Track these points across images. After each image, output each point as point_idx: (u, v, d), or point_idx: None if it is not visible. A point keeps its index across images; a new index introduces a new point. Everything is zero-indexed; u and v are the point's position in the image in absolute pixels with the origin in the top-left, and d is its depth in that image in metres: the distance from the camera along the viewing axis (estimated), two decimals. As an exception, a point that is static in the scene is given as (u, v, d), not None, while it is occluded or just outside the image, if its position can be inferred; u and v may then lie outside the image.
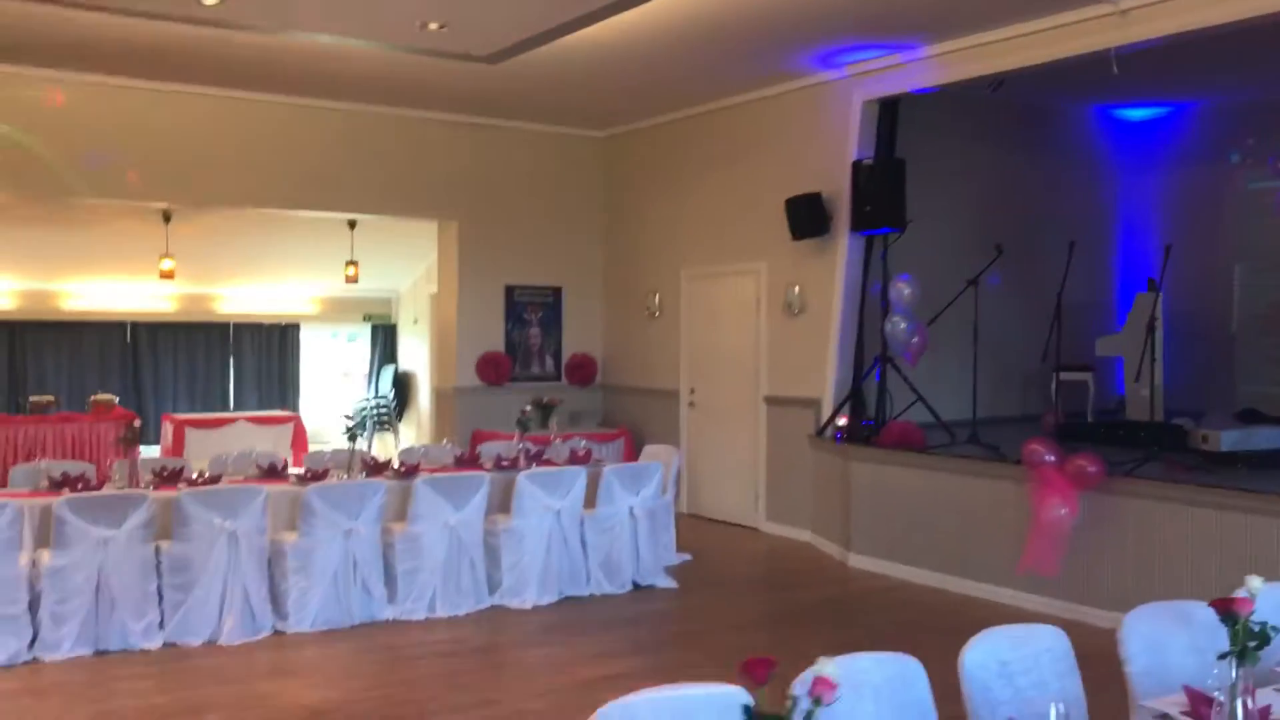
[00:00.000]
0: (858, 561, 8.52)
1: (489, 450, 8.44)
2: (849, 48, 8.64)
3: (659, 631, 7.03)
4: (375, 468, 7.58)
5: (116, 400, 11.52)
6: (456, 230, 11.31)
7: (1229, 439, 7.19)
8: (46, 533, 6.13)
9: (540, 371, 11.75)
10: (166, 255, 11.82)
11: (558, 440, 8.69)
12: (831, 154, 9.32)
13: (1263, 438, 7.43)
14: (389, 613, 6.89)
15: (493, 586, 7.28)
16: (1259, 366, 10.73)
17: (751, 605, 7.79)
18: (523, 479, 7.28)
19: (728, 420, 10.43)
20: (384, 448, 14.24)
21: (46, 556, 6.05)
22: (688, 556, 8.53)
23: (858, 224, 8.95)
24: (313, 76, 9.48)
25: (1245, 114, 10.55)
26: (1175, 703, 2.77)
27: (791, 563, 8.91)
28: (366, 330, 15.85)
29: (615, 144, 11.97)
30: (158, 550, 6.32)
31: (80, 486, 6.53)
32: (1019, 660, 3.08)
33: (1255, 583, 2.44)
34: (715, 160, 10.62)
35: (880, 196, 8.72)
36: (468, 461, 8.08)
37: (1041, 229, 10.23)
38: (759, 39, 8.38)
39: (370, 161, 10.74)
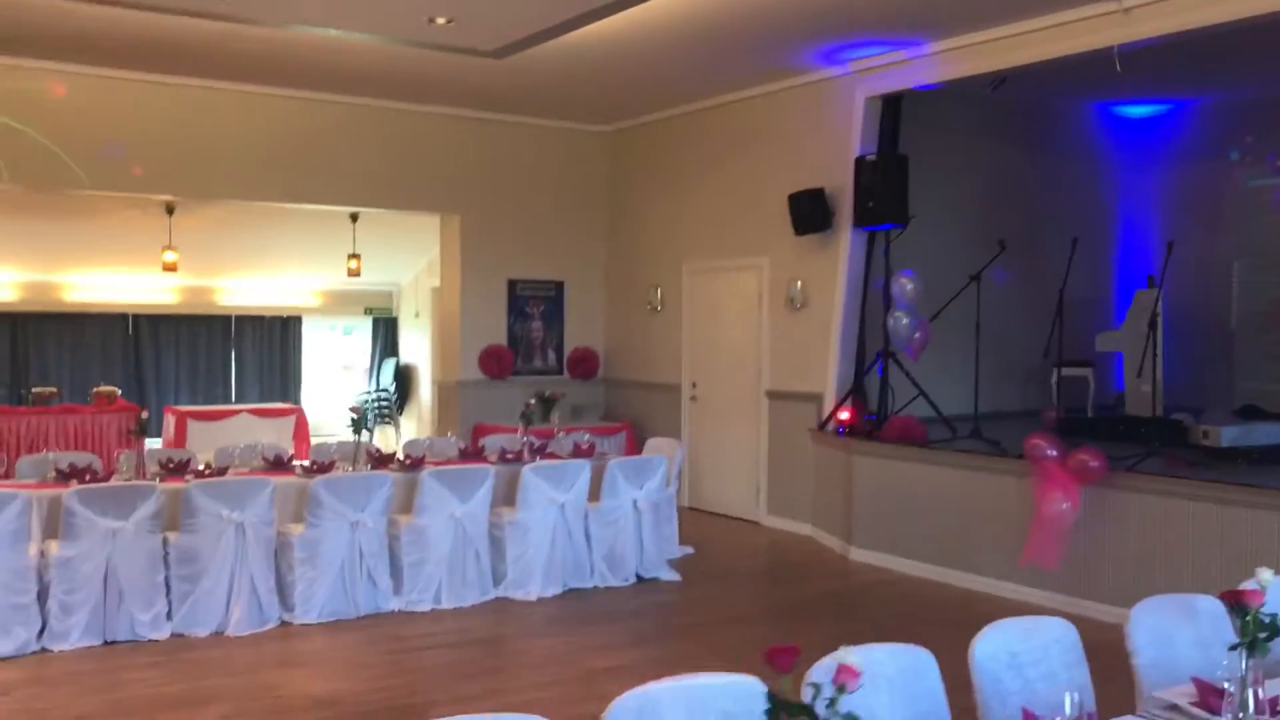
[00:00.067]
0: (859, 555, 8.57)
1: (493, 443, 8.48)
2: (853, 44, 8.67)
3: (663, 624, 7.08)
4: (380, 460, 7.62)
5: (119, 392, 11.54)
6: (459, 224, 11.33)
7: (1229, 435, 7.24)
8: (54, 523, 6.17)
9: (542, 365, 11.78)
10: (169, 247, 11.83)
11: (561, 433, 8.73)
12: (835, 150, 9.35)
13: (1262, 433, 7.48)
14: (395, 604, 6.93)
15: (497, 578, 7.32)
16: (1257, 363, 10.78)
17: (754, 598, 7.84)
18: (528, 472, 7.31)
19: (729, 414, 10.47)
20: (385, 441, 14.27)
21: (55, 547, 6.09)
22: (690, 550, 8.58)
23: (860, 219, 8.98)
24: (317, 70, 9.50)
25: (1245, 111, 10.59)
26: (1184, 693, 2.81)
27: (793, 556, 8.96)
28: (365, 324, 15.86)
29: (618, 139, 12.00)
30: (165, 541, 6.36)
31: (88, 478, 6.55)
32: (1028, 652, 3.13)
33: (1266, 575, 2.48)
34: (718, 155, 10.65)
35: (883, 192, 8.74)
36: (472, 454, 8.11)
37: (1042, 225, 10.28)
38: (763, 35, 8.40)
39: (374, 155, 10.76)
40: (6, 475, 6.87)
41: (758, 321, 10.15)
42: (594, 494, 7.66)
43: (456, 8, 7.47)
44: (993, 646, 3.05)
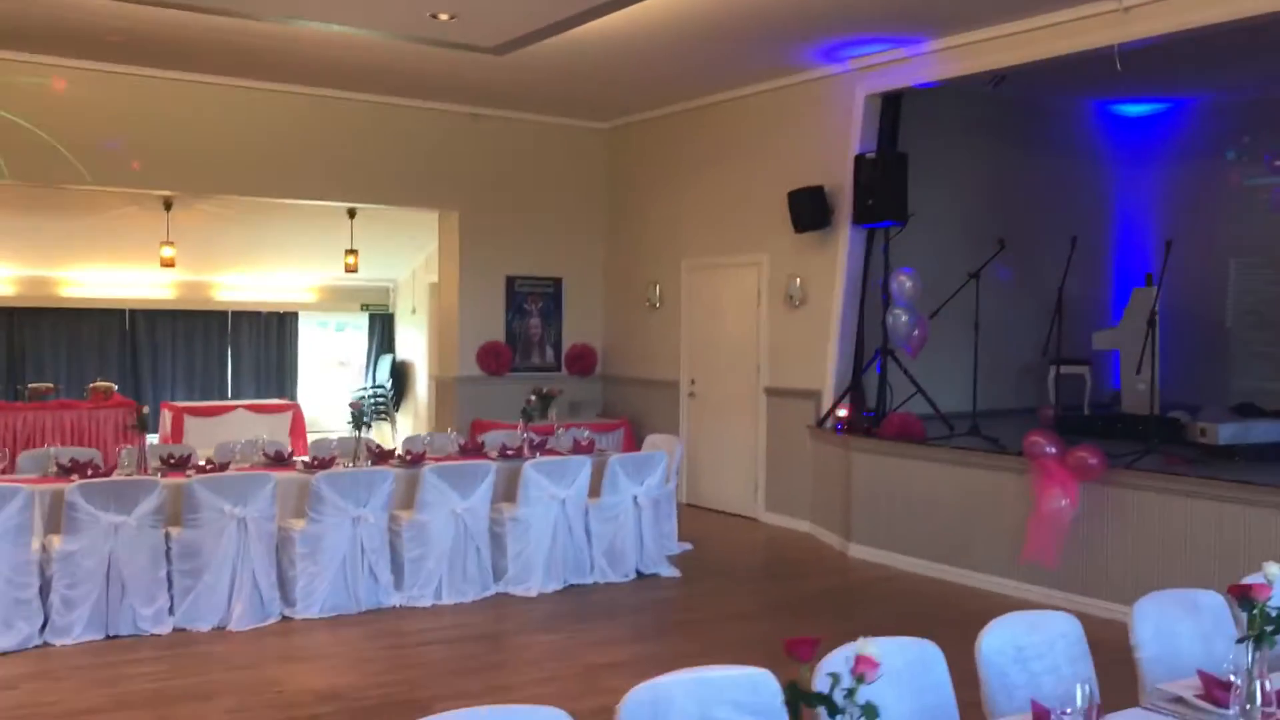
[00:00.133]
0: (857, 551, 8.60)
1: (493, 439, 8.50)
2: (852, 42, 8.70)
3: (663, 620, 7.10)
4: (380, 456, 7.63)
5: (115, 388, 11.53)
6: (458, 220, 11.35)
7: (1227, 432, 7.28)
8: (56, 518, 6.17)
9: (540, 362, 11.80)
10: (167, 243, 11.83)
11: (561, 430, 8.75)
12: (834, 147, 9.38)
13: (1259, 431, 7.53)
14: (396, 599, 6.95)
15: (498, 574, 7.35)
16: (1252, 361, 10.84)
17: (754, 594, 7.86)
18: (529, 468, 7.33)
19: (728, 411, 10.50)
20: (381, 437, 14.27)
21: (57, 542, 6.09)
22: (689, 546, 8.61)
23: (860, 217, 9.01)
24: (316, 66, 9.50)
25: (1241, 111, 10.64)
26: (1189, 686, 2.84)
27: (792, 552, 8.99)
28: (360, 320, 15.85)
29: (617, 136, 12.01)
30: (167, 536, 6.37)
31: (90, 473, 6.56)
32: (1033, 646, 3.16)
33: (1273, 569, 2.51)
34: (718, 153, 10.67)
35: (882, 190, 8.77)
36: (471, 450, 8.12)
37: (1039, 223, 10.32)
38: (763, 33, 8.43)
39: (372, 151, 10.77)
40: (7, 470, 6.87)
41: (756, 318, 10.18)
42: (595, 490, 7.68)
43: (459, 4, 7.48)
44: (999, 640, 3.09)
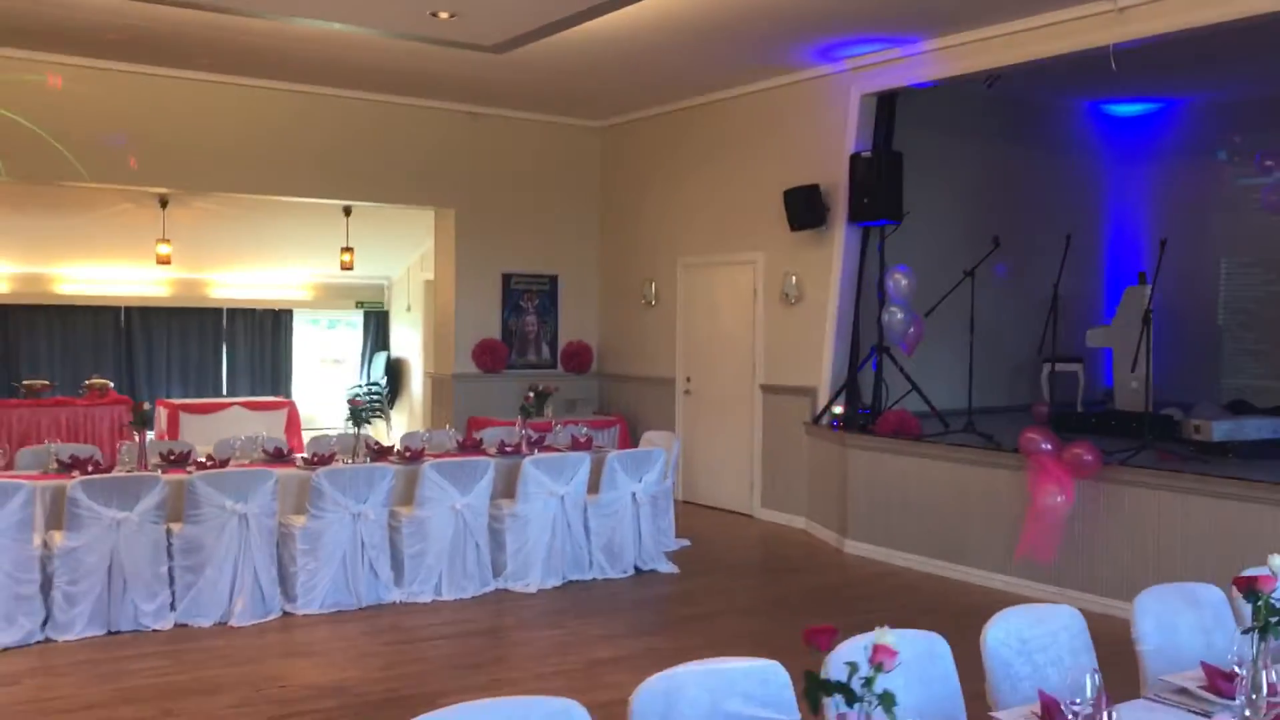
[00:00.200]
0: (853, 548, 8.65)
1: (491, 436, 8.53)
2: (848, 41, 8.74)
3: (662, 615, 7.14)
4: (379, 452, 7.66)
5: (111, 384, 11.54)
6: (454, 218, 11.37)
7: (1221, 429, 7.34)
8: (57, 514, 6.18)
9: (536, 359, 11.83)
10: (163, 240, 11.83)
11: (559, 426, 8.78)
12: (830, 146, 9.43)
13: (1253, 428, 7.59)
14: (396, 595, 6.98)
15: (497, 570, 7.37)
16: (1243, 359, 10.93)
17: (751, 590, 7.91)
18: (528, 464, 7.36)
19: (723, 408, 10.54)
20: (376, 434, 14.28)
21: (58, 538, 6.10)
22: (686, 542, 8.65)
23: (855, 215, 9.06)
24: (313, 64, 9.51)
25: (1233, 111, 10.71)
26: (1192, 678, 2.89)
27: (788, 549, 9.04)
28: (353, 317, 15.85)
29: (614, 134, 12.04)
30: (169, 532, 6.39)
31: (90, 469, 6.58)
32: (1037, 638, 3.21)
33: (1278, 561, 2.56)
34: (714, 151, 10.71)
35: (878, 189, 8.82)
36: (469, 447, 8.15)
37: (1033, 222, 10.39)
38: (759, 33, 8.46)
39: (369, 149, 10.78)
40: (8, 466, 6.88)
41: (752, 316, 10.22)
42: (593, 486, 7.72)
43: (460, 2, 7.50)
44: (1003, 633, 3.14)
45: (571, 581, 7.58)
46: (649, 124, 11.53)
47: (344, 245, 12.71)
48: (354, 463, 7.27)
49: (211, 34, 8.51)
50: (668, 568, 7.97)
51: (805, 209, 9.43)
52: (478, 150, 11.35)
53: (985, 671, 3.07)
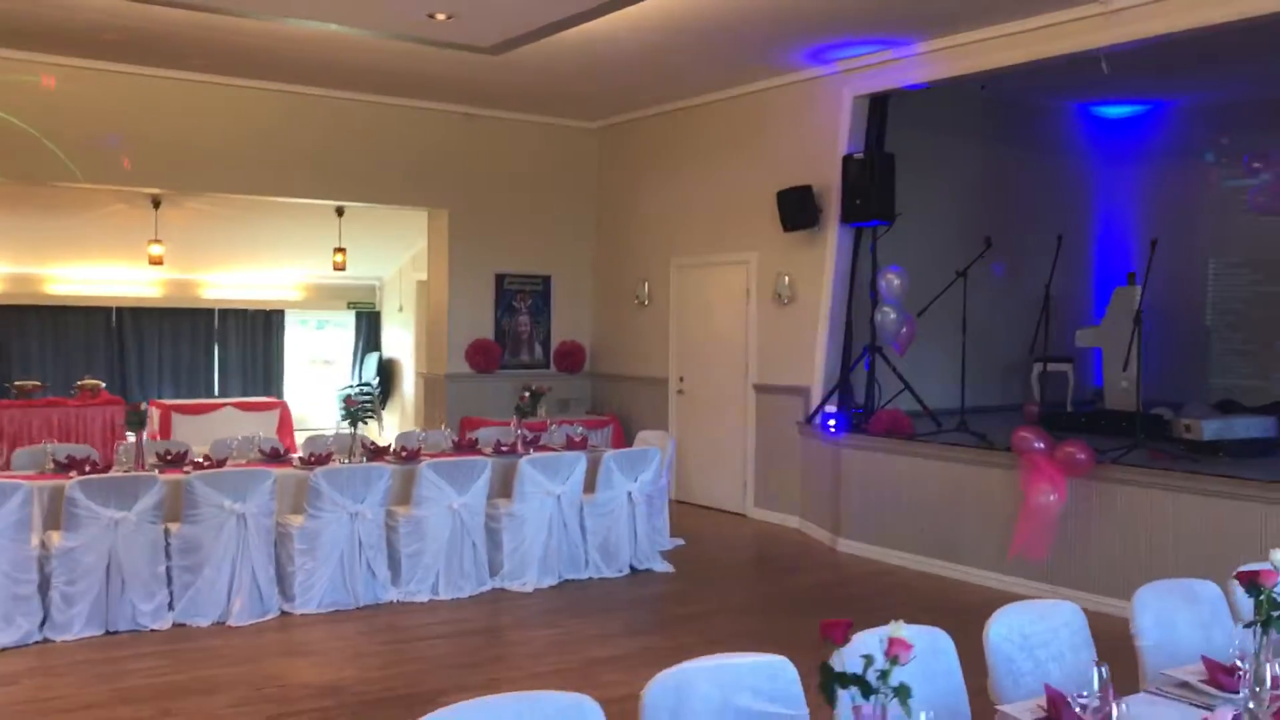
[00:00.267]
0: (846, 546, 8.70)
1: (487, 436, 8.55)
2: (840, 44, 8.78)
3: (658, 614, 7.17)
4: (376, 452, 7.67)
5: (103, 385, 11.51)
6: (447, 219, 11.38)
7: (1211, 428, 7.40)
8: (55, 514, 6.18)
9: (529, 359, 11.86)
10: (155, 240, 11.81)
11: (553, 426, 8.81)
12: (822, 148, 9.47)
13: (1242, 427, 7.66)
14: (393, 595, 6.99)
15: (494, 569, 7.39)
16: (1231, 359, 11.03)
17: (746, 589, 7.95)
18: (525, 464, 7.39)
19: (716, 408, 10.58)
20: (368, 434, 14.26)
21: (56, 538, 6.10)
22: (681, 541, 8.68)
23: (848, 216, 9.11)
24: (306, 64, 9.51)
25: (1220, 113, 10.80)
26: (1193, 672, 2.94)
27: (782, 548, 9.08)
28: (343, 318, 15.83)
29: (607, 135, 12.07)
30: (167, 532, 6.39)
31: (88, 469, 6.58)
32: (1039, 634, 3.25)
33: (1279, 556, 2.60)
34: (707, 153, 10.75)
35: (870, 190, 8.87)
36: (465, 447, 8.17)
37: (1023, 222, 10.45)
38: (752, 36, 8.50)
39: (362, 150, 10.78)
40: (4, 467, 6.87)
41: (745, 316, 10.26)
42: (589, 485, 7.74)
43: (457, 4, 7.51)
44: (1006, 628, 3.17)
45: (567, 581, 7.60)
46: (642, 125, 11.56)
47: (336, 246, 12.71)
48: (351, 462, 7.28)
49: (205, 34, 8.50)
50: (663, 567, 8.01)
51: (798, 210, 9.47)
52: (471, 151, 11.37)
53: (988, 667, 3.11)
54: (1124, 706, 2.17)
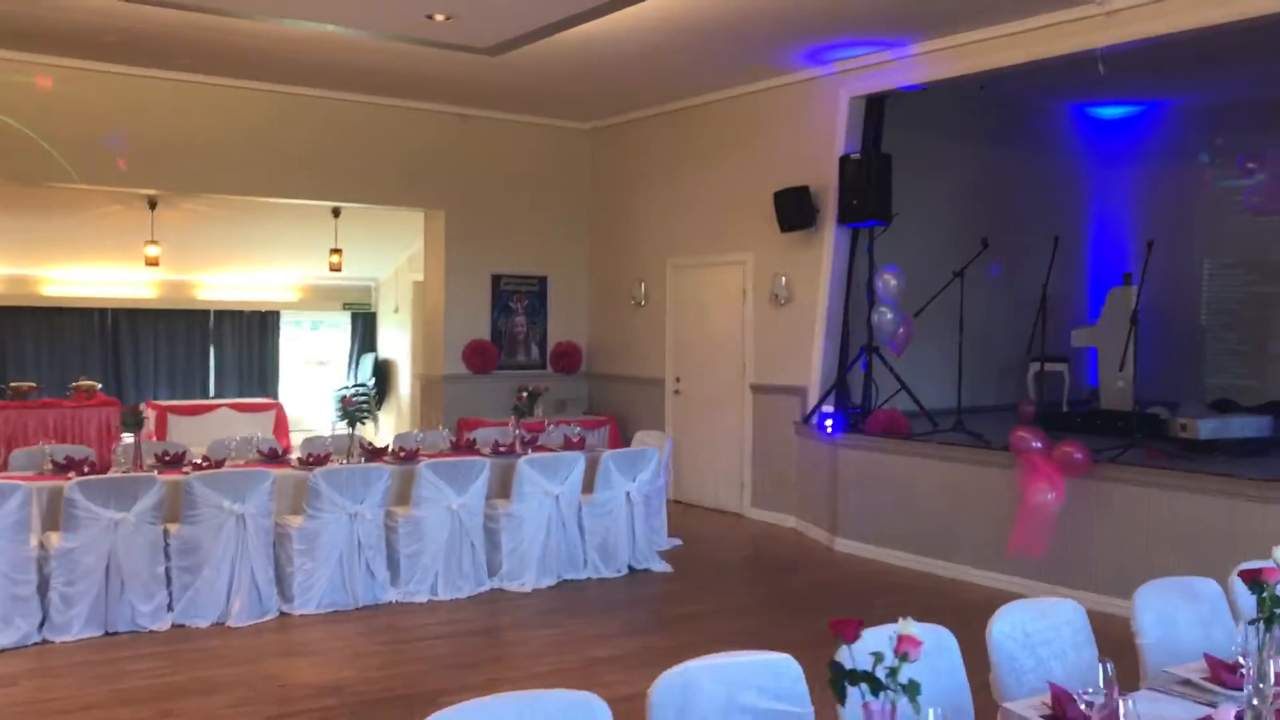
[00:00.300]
0: (844, 546, 8.71)
1: (485, 436, 8.55)
2: (837, 45, 8.80)
3: (656, 614, 7.18)
4: (374, 453, 7.67)
5: (99, 386, 11.49)
6: (444, 219, 11.38)
7: (1207, 427, 7.43)
8: (53, 515, 6.17)
9: (526, 360, 11.86)
10: (151, 242, 11.79)
11: (551, 426, 8.81)
12: (819, 148, 9.49)
13: (1238, 426, 7.70)
14: (392, 595, 6.99)
15: (492, 570, 7.39)
16: (1226, 359, 11.06)
17: (744, 589, 7.96)
18: (523, 464, 7.39)
19: (713, 408, 10.59)
20: (365, 435, 14.25)
21: (55, 539, 6.10)
22: (679, 541, 8.69)
23: (845, 216, 9.12)
24: (302, 65, 9.51)
25: (1215, 114, 10.83)
26: (1195, 669, 2.95)
27: (779, 547, 9.09)
28: (339, 319, 15.82)
29: (603, 136, 12.08)
30: (166, 533, 6.38)
31: (86, 470, 6.57)
32: (1041, 632, 3.26)
33: (1281, 553, 2.62)
34: (704, 153, 10.76)
35: (867, 190, 8.88)
36: (463, 447, 8.17)
37: (1019, 223, 10.47)
38: (749, 36, 8.51)
39: (358, 151, 10.78)
40: (2, 468, 6.86)
41: (742, 316, 10.28)
42: (588, 486, 7.74)
43: (456, 4, 7.51)
44: (1008, 626, 3.19)
45: (566, 581, 7.60)
46: (639, 126, 11.57)
47: (332, 247, 12.71)
48: (349, 463, 7.28)
49: (202, 35, 8.49)
50: (661, 567, 8.02)
51: (795, 210, 9.49)
52: (467, 152, 11.37)
53: (991, 664, 3.12)
54: (1130, 703, 2.17)
